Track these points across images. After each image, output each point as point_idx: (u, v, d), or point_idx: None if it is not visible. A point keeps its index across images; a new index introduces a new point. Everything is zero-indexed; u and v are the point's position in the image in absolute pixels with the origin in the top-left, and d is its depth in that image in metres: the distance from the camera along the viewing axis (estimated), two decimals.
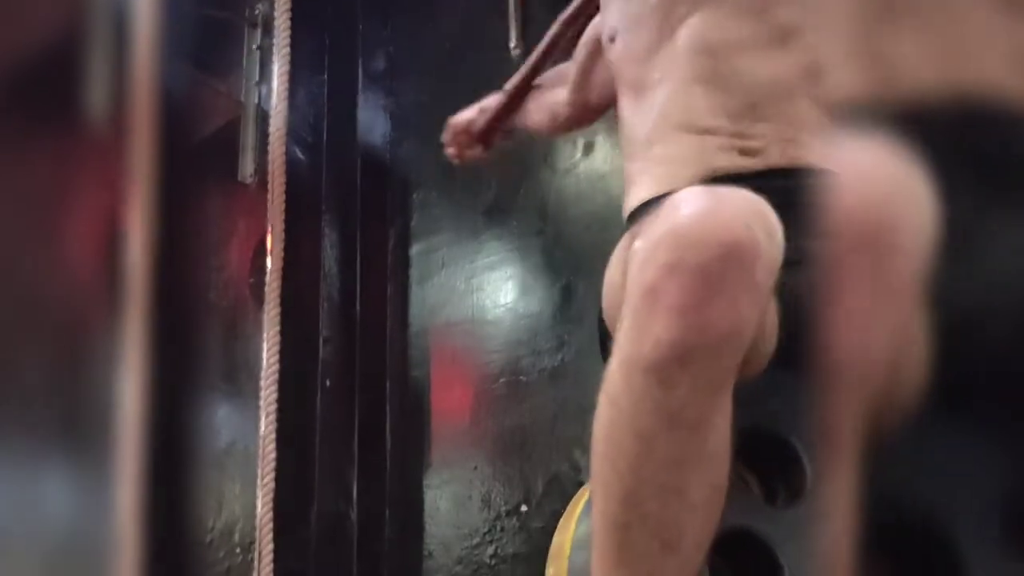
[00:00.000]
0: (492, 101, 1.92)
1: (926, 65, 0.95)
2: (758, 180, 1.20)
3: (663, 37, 1.40)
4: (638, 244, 1.02)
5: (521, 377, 2.48)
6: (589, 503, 1.37)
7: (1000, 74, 0.95)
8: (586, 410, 2.28)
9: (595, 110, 1.79)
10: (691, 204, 0.99)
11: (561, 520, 1.42)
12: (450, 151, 2.01)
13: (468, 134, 1.95)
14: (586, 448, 2.30)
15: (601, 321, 1.38)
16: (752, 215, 0.98)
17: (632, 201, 1.41)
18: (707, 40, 1.36)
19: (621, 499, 1.01)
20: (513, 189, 2.61)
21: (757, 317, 0.97)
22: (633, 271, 1.00)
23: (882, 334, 0.83)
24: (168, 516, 2.63)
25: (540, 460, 2.40)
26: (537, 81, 1.88)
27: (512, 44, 2.65)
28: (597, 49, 1.65)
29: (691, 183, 1.19)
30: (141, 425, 1.15)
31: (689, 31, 1.38)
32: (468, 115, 1.95)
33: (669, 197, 1.05)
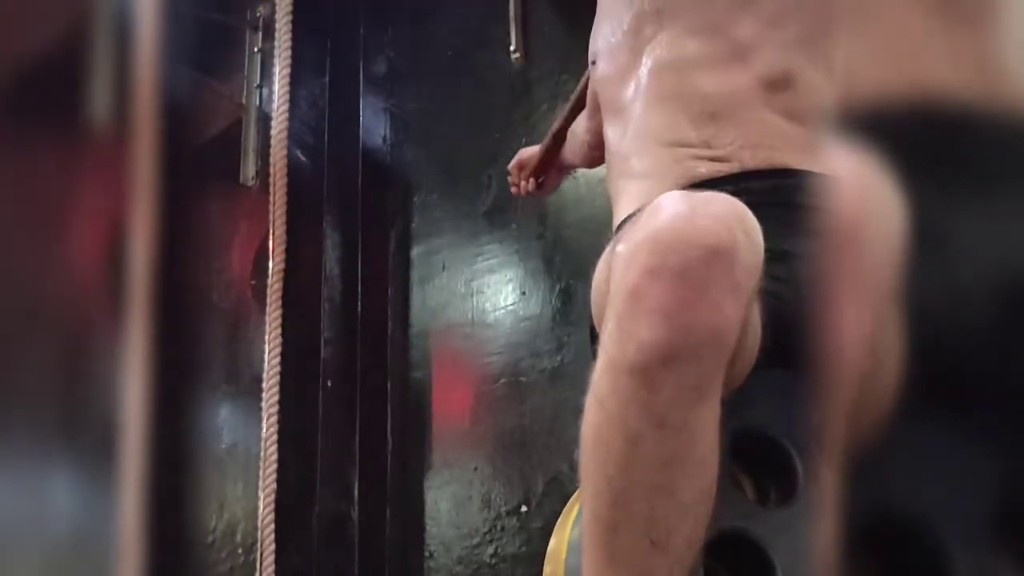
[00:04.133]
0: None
1: (876, 70, 0.97)
2: (733, 183, 1.28)
3: (635, 58, 1.49)
4: (620, 248, 1.03)
5: (521, 378, 2.49)
6: None
7: (943, 76, 0.97)
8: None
9: None
10: (670, 208, 1.00)
11: (558, 521, 1.43)
12: (512, 185, 2.16)
13: (526, 169, 2.10)
14: None
15: (592, 327, 1.39)
16: (731, 216, 0.99)
17: (619, 216, 1.45)
18: (668, 59, 1.45)
19: (610, 500, 1.01)
20: (513, 193, 2.62)
21: (740, 318, 0.98)
22: (616, 275, 1.01)
23: (858, 335, 0.84)
24: (171, 517, 2.64)
25: (540, 461, 2.40)
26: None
27: (512, 48, 2.66)
28: None
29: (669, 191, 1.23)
30: (144, 426, 1.16)
31: (653, 51, 1.47)
32: (531, 151, 2.10)
33: (649, 204, 1.06)
